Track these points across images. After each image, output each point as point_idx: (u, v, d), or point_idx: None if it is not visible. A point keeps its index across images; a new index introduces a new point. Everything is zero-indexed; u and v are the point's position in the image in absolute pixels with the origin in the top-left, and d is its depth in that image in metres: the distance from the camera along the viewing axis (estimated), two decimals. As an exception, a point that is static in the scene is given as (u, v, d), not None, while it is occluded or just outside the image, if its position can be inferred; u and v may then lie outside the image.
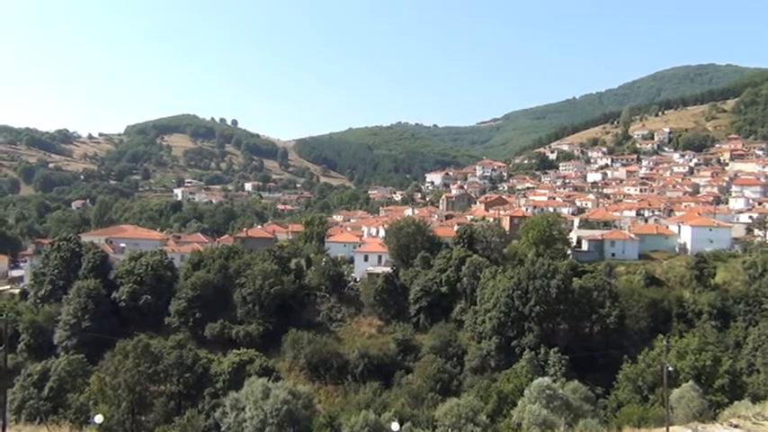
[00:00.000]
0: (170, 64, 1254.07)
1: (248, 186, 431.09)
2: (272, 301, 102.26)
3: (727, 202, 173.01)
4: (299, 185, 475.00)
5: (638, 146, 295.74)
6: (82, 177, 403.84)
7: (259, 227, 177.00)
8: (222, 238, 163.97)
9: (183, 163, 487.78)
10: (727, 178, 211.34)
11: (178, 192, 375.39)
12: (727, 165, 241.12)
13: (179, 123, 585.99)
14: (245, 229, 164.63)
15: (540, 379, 60.73)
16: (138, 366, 73.61)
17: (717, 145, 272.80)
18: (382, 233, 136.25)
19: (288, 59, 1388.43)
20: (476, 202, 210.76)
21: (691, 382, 59.99)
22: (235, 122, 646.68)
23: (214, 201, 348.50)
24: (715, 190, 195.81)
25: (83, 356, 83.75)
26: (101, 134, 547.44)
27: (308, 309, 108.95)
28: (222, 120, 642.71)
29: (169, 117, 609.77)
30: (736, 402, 42.36)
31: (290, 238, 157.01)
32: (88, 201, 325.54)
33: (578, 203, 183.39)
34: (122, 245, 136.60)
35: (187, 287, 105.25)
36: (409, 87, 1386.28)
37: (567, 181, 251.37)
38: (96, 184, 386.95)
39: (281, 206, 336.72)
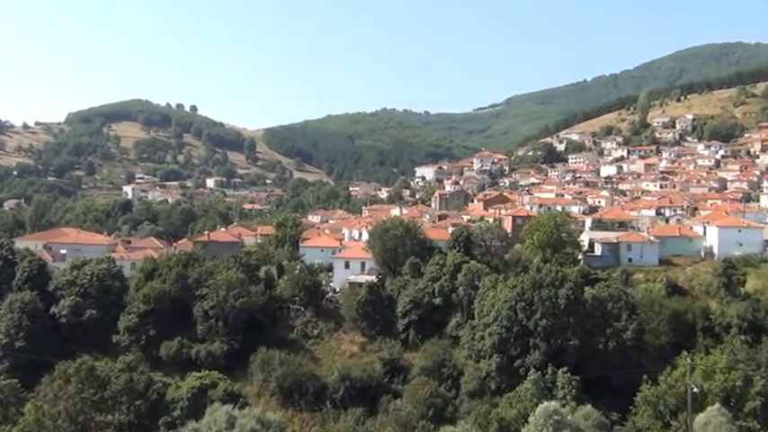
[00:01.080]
0: (118, 42, 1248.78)
1: (210, 183, 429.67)
2: (237, 316, 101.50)
3: (758, 200, 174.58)
4: (269, 181, 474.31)
5: (657, 135, 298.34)
6: (15, 173, 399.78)
7: (223, 229, 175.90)
8: (180, 242, 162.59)
9: (133, 156, 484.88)
10: (758, 172, 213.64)
11: (128, 189, 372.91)
12: (757, 157, 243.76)
13: (129, 110, 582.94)
14: (206, 233, 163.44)
15: (546, 403, 60.73)
16: (82, 393, 72.89)
17: (746, 134, 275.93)
18: (366, 236, 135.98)
19: (255, 35, 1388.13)
20: (473, 201, 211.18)
21: (718, 406, 60.31)
22: (194, 109, 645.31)
23: (170, 199, 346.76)
24: (744, 186, 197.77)
25: (16, 381, 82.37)
26: (38, 123, 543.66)
27: (280, 324, 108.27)
28: (179, 106, 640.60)
29: (117, 103, 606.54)
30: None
31: (259, 242, 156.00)
32: (23, 200, 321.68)
33: (590, 201, 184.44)
34: (63, 251, 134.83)
35: (139, 300, 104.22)
36: (396, 68, 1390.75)
37: (578, 175, 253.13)
38: (33, 180, 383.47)
39: (248, 205, 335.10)
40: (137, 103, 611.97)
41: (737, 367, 69.60)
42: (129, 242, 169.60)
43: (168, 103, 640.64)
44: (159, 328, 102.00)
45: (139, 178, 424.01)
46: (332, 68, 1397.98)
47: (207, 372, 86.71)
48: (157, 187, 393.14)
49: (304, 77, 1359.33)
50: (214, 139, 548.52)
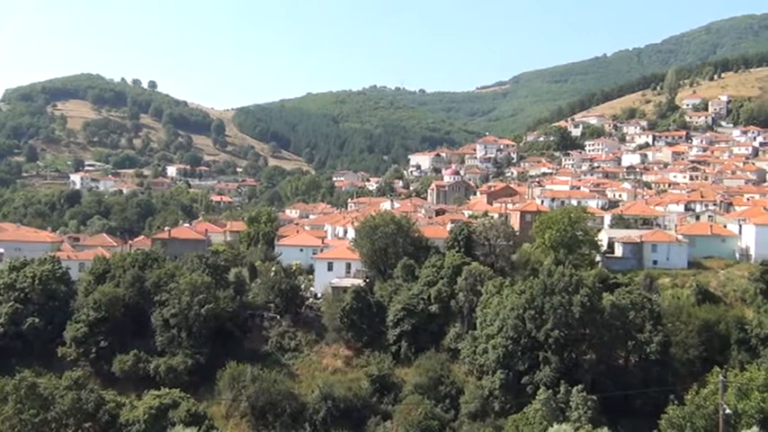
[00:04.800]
0: (64, 7, 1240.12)
1: (172, 171, 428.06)
2: (203, 325, 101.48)
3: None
4: (240, 170, 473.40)
5: (687, 119, 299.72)
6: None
7: (186, 225, 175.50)
8: (136, 240, 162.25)
9: (82, 139, 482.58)
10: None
11: (76, 178, 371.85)
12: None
13: (77, 86, 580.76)
14: (167, 229, 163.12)
15: (558, 426, 61.19)
16: (21, 413, 72.71)
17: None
18: (351, 234, 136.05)
19: (223, 1, 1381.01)
20: (476, 193, 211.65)
21: (756, 429, 60.77)
22: (153, 85, 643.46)
23: (125, 190, 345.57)
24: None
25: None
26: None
27: (253, 335, 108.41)
28: (136, 81, 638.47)
29: (64, 78, 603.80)
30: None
31: (229, 240, 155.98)
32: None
33: (610, 195, 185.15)
34: (0, 250, 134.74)
35: (88, 306, 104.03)
36: (387, 40, 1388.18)
37: (596, 165, 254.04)
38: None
39: (215, 197, 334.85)
40: (86, 78, 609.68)
41: (776, 385, 70.03)
42: (77, 240, 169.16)
43: (123, 79, 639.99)
44: (112, 339, 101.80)
45: (89, 165, 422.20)
46: (312, 39, 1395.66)
47: (167, 390, 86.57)
48: (110, 176, 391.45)
49: (280, 49, 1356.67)
50: (176, 120, 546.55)
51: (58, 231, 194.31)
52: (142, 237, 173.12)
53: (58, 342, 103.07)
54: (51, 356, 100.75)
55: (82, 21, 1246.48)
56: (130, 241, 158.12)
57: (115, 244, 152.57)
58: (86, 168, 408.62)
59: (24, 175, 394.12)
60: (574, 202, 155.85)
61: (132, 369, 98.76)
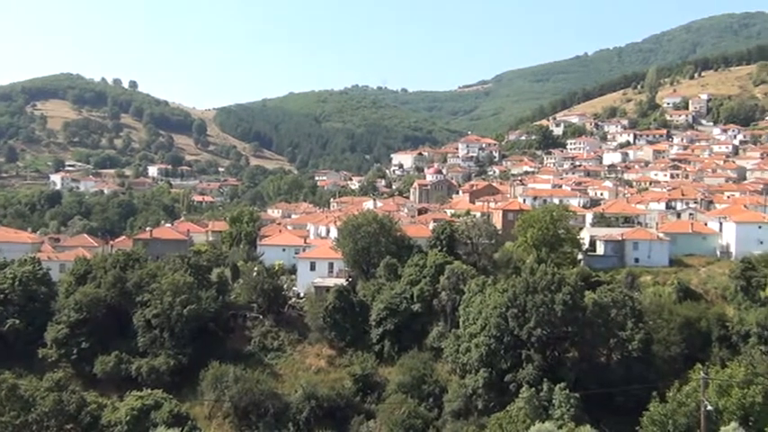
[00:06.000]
0: (44, 6, 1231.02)
1: (153, 171, 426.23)
2: (185, 326, 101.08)
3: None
4: (221, 169, 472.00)
5: (667, 118, 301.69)
6: None
7: (168, 225, 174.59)
8: (117, 240, 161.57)
9: (62, 139, 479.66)
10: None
11: (56, 178, 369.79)
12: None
13: (57, 86, 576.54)
14: (148, 229, 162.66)
15: (541, 424, 61.38)
16: (2, 415, 72.17)
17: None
18: (334, 233, 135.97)
19: (205, 1, 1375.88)
20: (458, 192, 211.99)
21: (735, 425, 61.16)
22: (134, 85, 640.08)
23: (106, 190, 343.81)
24: (766, 176, 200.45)
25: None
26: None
27: (235, 335, 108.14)
28: (116, 81, 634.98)
29: (44, 77, 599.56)
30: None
31: (211, 240, 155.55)
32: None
33: (591, 193, 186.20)
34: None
35: (69, 307, 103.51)
36: (368, 39, 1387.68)
37: (577, 163, 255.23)
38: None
39: (197, 197, 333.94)
40: (66, 77, 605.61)
41: (757, 381, 70.48)
42: (58, 240, 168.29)
43: (103, 79, 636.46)
44: (93, 340, 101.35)
45: (70, 166, 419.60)
46: (294, 38, 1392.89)
47: (149, 390, 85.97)
48: (91, 176, 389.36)
49: (262, 49, 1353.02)
50: (157, 120, 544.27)
51: (38, 232, 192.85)
52: (123, 237, 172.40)
53: (39, 343, 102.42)
54: (32, 358, 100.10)
55: (62, 20, 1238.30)
56: (112, 242, 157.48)
57: (96, 244, 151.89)
58: (67, 169, 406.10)
59: (4, 175, 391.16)
60: (556, 201, 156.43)
61: (114, 370, 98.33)
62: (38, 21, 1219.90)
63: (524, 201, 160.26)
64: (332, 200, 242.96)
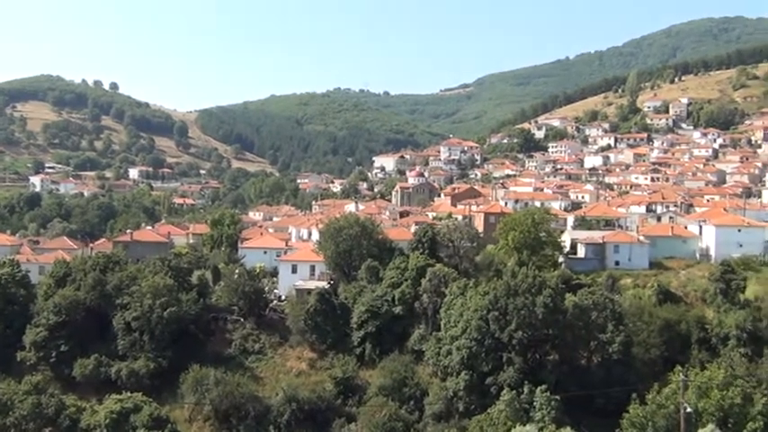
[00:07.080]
0: (23, 7, 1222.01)
1: (134, 173, 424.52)
2: (165, 328, 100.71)
3: (760, 195, 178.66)
4: (203, 172, 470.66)
5: (648, 121, 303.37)
6: None
7: (149, 228, 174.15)
8: (97, 243, 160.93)
9: (42, 141, 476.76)
10: (760, 164, 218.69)
11: (36, 180, 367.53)
12: (759, 147, 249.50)
13: (37, 87, 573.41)
14: (128, 231, 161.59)
15: (522, 427, 61.54)
16: (-20, 419, 71.55)
17: (747, 121, 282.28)
18: (316, 236, 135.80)
19: (185, 3, 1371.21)
20: (440, 195, 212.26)
21: (712, 427, 61.58)
22: (114, 86, 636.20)
23: (86, 192, 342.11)
24: (745, 179, 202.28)
25: None
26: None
27: (216, 338, 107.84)
28: (97, 83, 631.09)
29: (23, 79, 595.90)
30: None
31: (192, 242, 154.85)
32: None
33: (573, 196, 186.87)
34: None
35: (48, 310, 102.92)
36: (351, 42, 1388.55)
37: (559, 167, 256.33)
38: None
39: (178, 200, 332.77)
40: (46, 79, 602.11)
41: (736, 383, 70.86)
42: (37, 242, 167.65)
43: (84, 80, 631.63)
44: (72, 343, 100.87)
45: (49, 167, 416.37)
46: (276, 41, 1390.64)
47: (129, 394, 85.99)
48: (71, 178, 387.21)
49: (244, 51, 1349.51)
50: (138, 121, 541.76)
51: (17, 234, 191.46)
52: (103, 239, 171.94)
53: (18, 346, 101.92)
54: (10, 361, 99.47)
55: (41, 22, 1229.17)
56: (91, 244, 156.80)
57: (76, 247, 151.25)
58: (47, 171, 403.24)
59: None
60: (537, 204, 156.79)
61: (93, 373, 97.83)
62: (18, 22, 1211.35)
63: (506, 204, 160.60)
64: (314, 203, 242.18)
